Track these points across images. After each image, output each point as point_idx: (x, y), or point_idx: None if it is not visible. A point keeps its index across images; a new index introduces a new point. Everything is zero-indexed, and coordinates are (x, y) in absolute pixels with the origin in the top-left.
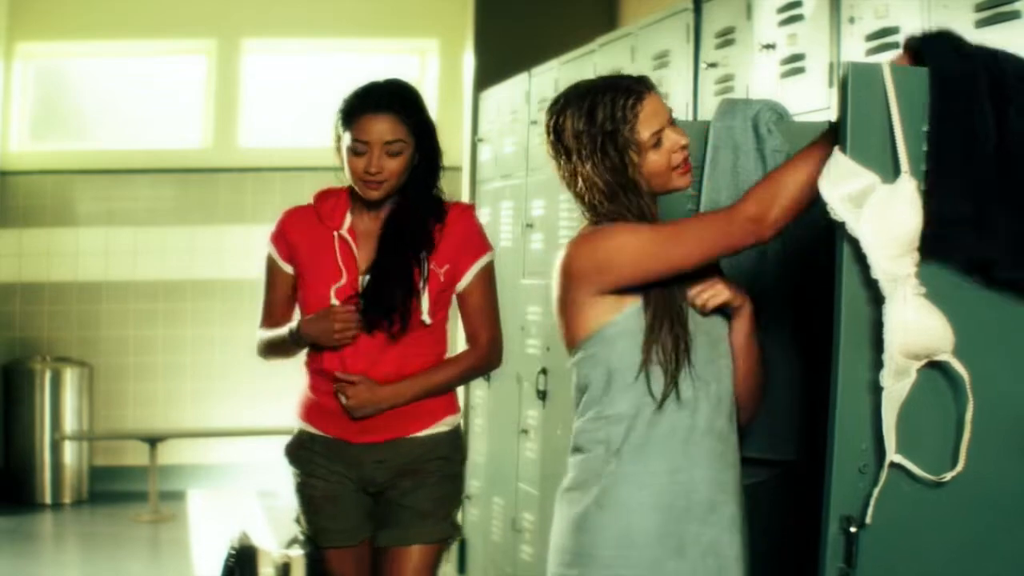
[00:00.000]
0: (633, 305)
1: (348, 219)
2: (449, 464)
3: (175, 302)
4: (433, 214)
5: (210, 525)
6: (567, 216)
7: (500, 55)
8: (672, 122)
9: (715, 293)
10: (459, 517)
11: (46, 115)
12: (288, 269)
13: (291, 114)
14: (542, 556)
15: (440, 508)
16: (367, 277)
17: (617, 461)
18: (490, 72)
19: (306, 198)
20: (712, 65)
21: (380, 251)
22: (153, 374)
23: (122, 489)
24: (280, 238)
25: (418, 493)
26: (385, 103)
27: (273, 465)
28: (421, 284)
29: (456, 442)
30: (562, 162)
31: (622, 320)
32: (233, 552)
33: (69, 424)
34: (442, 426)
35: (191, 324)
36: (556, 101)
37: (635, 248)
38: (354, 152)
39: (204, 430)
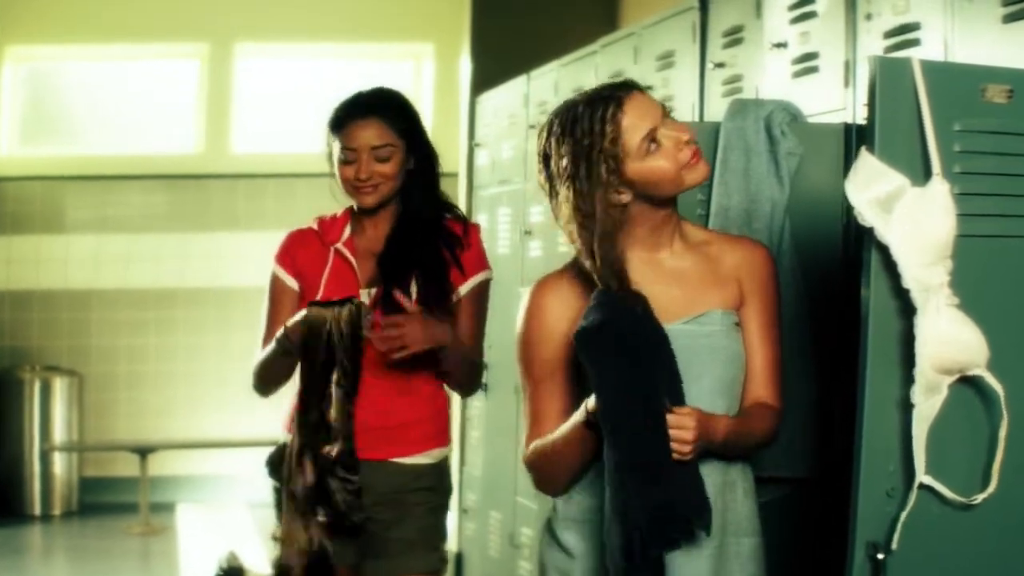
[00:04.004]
0: None
1: (346, 233)
2: (432, 496)
3: (167, 310)
4: (443, 214)
5: (200, 538)
6: None
7: (497, 58)
8: (667, 116)
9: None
10: (445, 551)
11: (36, 119)
12: (294, 284)
13: (284, 119)
14: None
15: (426, 539)
16: (371, 289)
17: None
18: (487, 75)
19: (299, 204)
20: (719, 65)
21: (387, 255)
22: (144, 384)
23: (112, 500)
24: (284, 255)
25: (403, 524)
26: (369, 108)
27: (265, 476)
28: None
29: (441, 475)
30: (554, 195)
31: None
32: (221, 573)
33: (59, 434)
34: (427, 457)
35: (183, 333)
36: (544, 125)
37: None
38: (344, 161)
39: (196, 441)
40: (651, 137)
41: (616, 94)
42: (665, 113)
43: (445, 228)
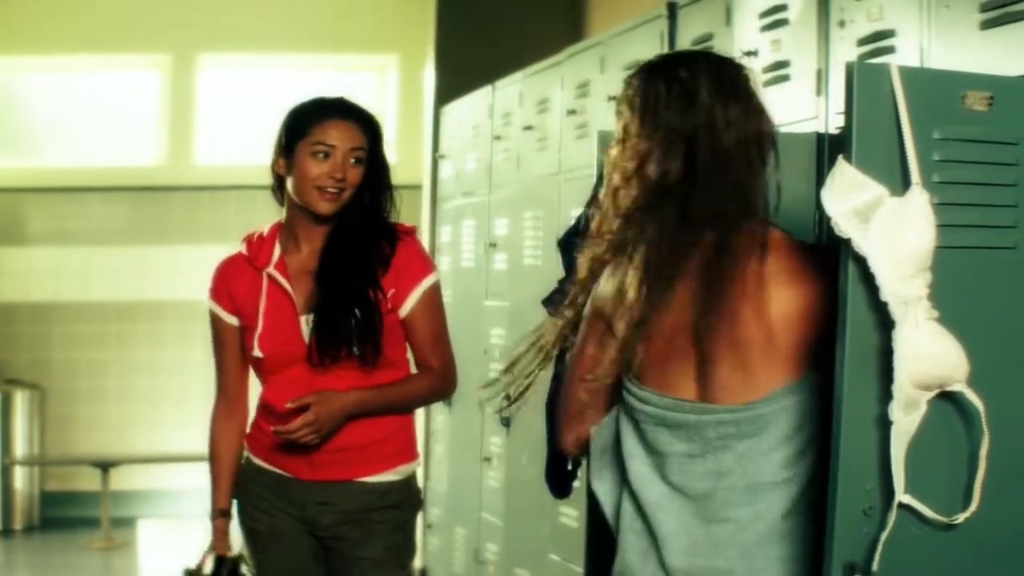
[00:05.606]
0: None
1: (276, 254)
2: (399, 513)
3: (128, 323)
4: (382, 235)
5: (161, 553)
6: (531, 235)
7: (462, 69)
8: None
9: None
10: (412, 570)
11: None
12: (234, 321)
13: (247, 131)
14: None
15: (393, 557)
16: (311, 315)
17: None
18: (452, 86)
19: (261, 217)
20: None
21: (321, 277)
22: (105, 398)
23: (74, 515)
24: (220, 290)
25: (369, 543)
26: (350, 111)
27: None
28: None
29: (408, 492)
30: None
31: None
32: None
33: (20, 448)
34: (394, 474)
35: (144, 346)
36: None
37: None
38: (314, 156)
39: (158, 455)
40: None
41: None
42: None
43: (377, 248)
